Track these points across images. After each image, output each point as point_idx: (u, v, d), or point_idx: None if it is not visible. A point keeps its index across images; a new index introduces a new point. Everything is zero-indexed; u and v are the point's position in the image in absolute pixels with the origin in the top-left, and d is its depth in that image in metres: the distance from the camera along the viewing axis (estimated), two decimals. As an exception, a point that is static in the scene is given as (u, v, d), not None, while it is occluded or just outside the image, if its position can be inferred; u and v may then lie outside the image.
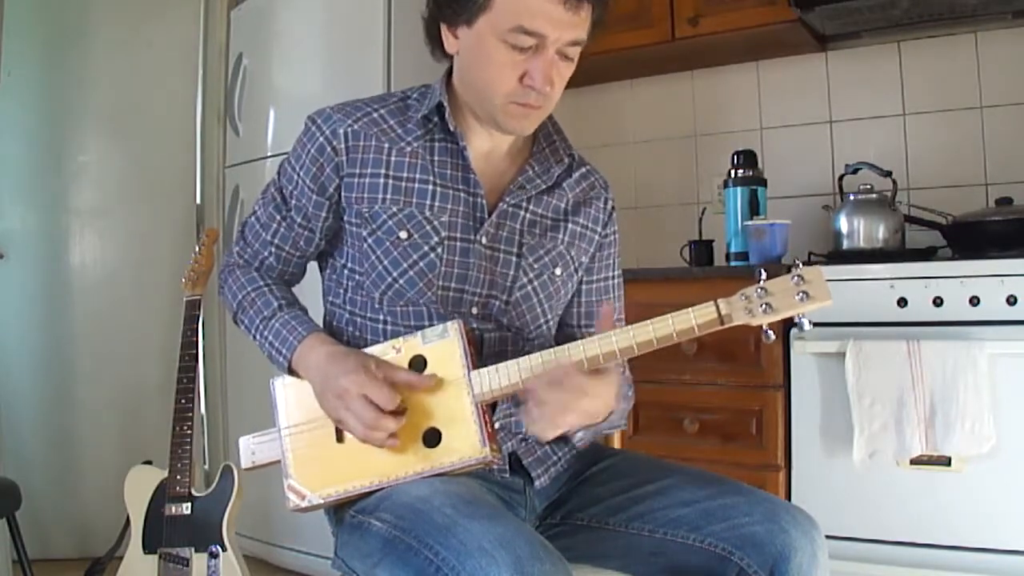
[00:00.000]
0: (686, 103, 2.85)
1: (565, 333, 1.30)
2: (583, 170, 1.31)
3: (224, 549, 1.94)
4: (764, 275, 1.01)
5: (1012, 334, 1.80)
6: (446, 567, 0.92)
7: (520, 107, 1.13)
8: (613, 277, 1.34)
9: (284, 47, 2.70)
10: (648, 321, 1.03)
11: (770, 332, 1.02)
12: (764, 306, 1.00)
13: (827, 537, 1.09)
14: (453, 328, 1.09)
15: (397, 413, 1.06)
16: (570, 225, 1.26)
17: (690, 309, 1.02)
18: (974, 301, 1.86)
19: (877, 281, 1.97)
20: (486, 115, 1.17)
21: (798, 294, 0.98)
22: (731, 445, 2.12)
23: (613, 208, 1.34)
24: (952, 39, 2.42)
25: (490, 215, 1.20)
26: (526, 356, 1.07)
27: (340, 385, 1.07)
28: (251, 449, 1.20)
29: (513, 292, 1.21)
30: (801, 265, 1.00)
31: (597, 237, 1.30)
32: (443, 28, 1.16)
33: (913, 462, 1.87)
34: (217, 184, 3.03)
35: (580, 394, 1.02)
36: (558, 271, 1.24)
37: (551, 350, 1.06)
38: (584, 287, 1.31)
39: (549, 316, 1.24)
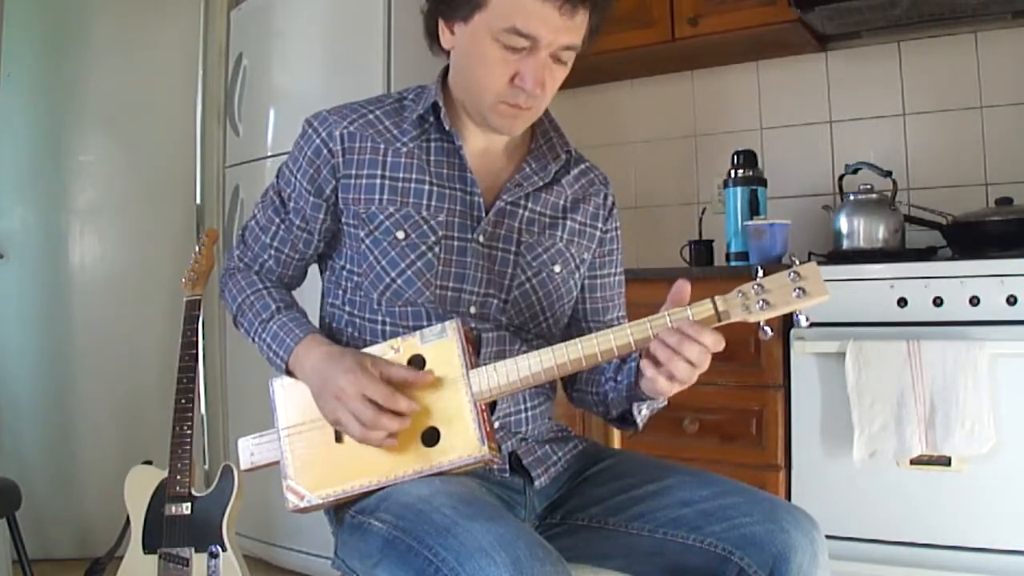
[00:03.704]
0: (686, 103, 2.85)
1: (573, 330, 1.30)
2: (582, 166, 1.31)
3: (224, 549, 1.94)
4: (761, 272, 1.02)
5: (1012, 334, 1.80)
6: (445, 568, 0.92)
7: (509, 107, 1.13)
8: (617, 273, 1.34)
9: (284, 47, 2.70)
10: (646, 319, 1.03)
11: (767, 328, 1.02)
12: (761, 303, 1.00)
13: (827, 537, 1.08)
14: (451, 327, 1.09)
15: (397, 412, 1.06)
16: (569, 222, 1.26)
17: (687, 306, 1.02)
18: (974, 301, 1.86)
19: (877, 281, 1.97)
20: (476, 113, 1.17)
21: (795, 290, 0.99)
22: (731, 445, 2.12)
23: (613, 204, 1.33)
24: (952, 39, 2.42)
25: (487, 213, 1.20)
26: (524, 355, 1.07)
27: (337, 385, 1.06)
28: (250, 450, 1.20)
29: (511, 290, 1.21)
30: (797, 262, 1.00)
31: (598, 233, 1.30)
32: (440, 23, 1.17)
33: (913, 462, 1.87)
34: (217, 184, 3.04)
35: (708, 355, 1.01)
36: (557, 268, 1.24)
37: (549, 348, 1.06)
38: (588, 283, 1.31)
39: (549, 314, 1.24)
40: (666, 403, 1.17)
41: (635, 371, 1.11)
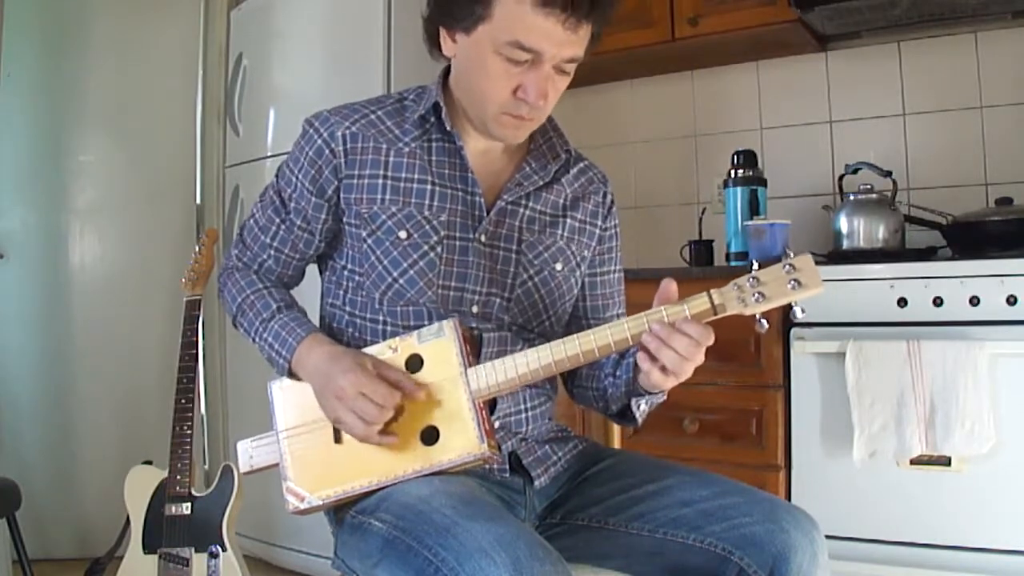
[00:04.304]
0: (686, 103, 2.85)
1: (574, 328, 1.30)
2: (581, 165, 1.32)
3: (224, 549, 1.94)
4: (756, 265, 1.02)
5: (1012, 334, 1.80)
6: (445, 567, 0.92)
7: (512, 118, 1.14)
8: (616, 271, 1.35)
9: (284, 47, 2.70)
10: (643, 313, 1.04)
11: (764, 321, 1.02)
12: (757, 295, 1.00)
13: (827, 537, 1.08)
14: (448, 326, 1.09)
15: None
16: (569, 220, 1.27)
17: (683, 300, 1.02)
18: (974, 301, 1.86)
19: (877, 281, 1.97)
20: (478, 121, 1.18)
21: (790, 282, 0.99)
22: (731, 445, 2.12)
23: (612, 202, 1.34)
24: (952, 39, 2.42)
25: (488, 213, 1.20)
26: (522, 352, 1.08)
27: (338, 385, 1.07)
28: (249, 453, 1.20)
29: (514, 289, 1.21)
30: (792, 254, 1.00)
31: (597, 231, 1.31)
32: (442, 31, 1.17)
33: (913, 462, 1.87)
34: (217, 184, 3.04)
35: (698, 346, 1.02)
36: (558, 266, 1.24)
37: (547, 345, 1.07)
38: (588, 280, 1.31)
39: (551, 312, 1.24)
40: (665, 398, 1.18)
41: (633, 366, 1.12)
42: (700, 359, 1.03)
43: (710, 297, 1.02)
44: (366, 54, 2.49)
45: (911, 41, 2.48)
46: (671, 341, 1.01)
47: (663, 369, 1.03)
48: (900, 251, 2.20)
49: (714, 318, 1.02)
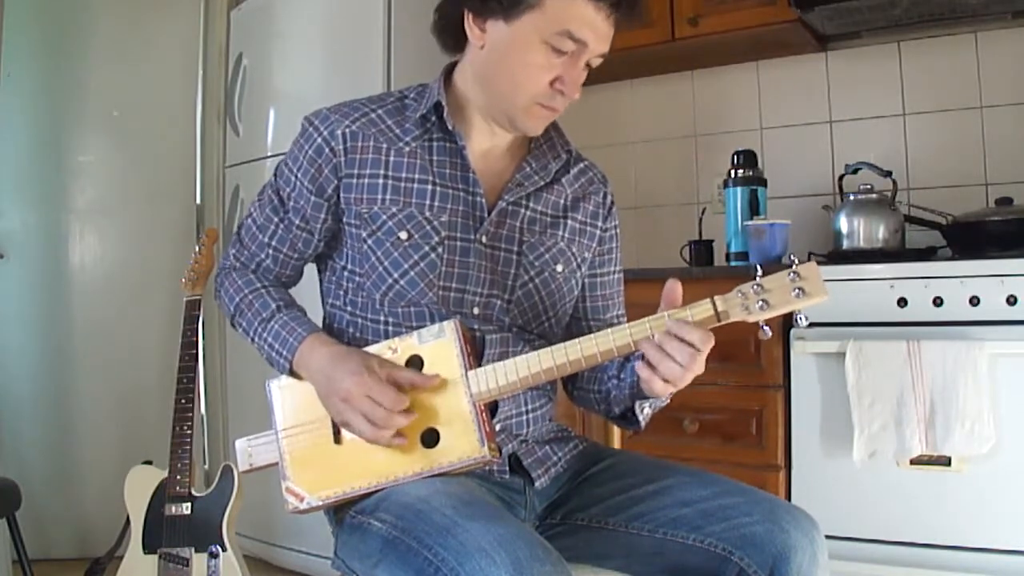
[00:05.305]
0: (686, 103, 2.85)
1: (574, 329, 1.30)
2: (581, 165, 1.32)
3: (224, 549, 1.94)
4: (760, 272, 1.02)
5: (1012, 334, 1.80)
6: (445, 568, 0.92)
7: (543, 109, 1.15)
8: (616, 272, 1.34)
9: (284, 47, 2.71)
10: (645, 319, 1.03)
11: (767, 328, 1.02)
12: (760, 303, 1.00)
13: (827, 537, 1.08)
14: (449, 327, 1.09)
15: (405, 411, 1.06)
16: (569, 221, 1.26)
17: (687, 307, 1.02)
18: (974, 301, 1.86)
19: (877, 281, 1.97)
20: (501, 113, 1.17)
21: (794, 290, 0.98)
22: (731, 445, 2.12)
23: (612, 202, 1.34)
24: (952, 39, 2.42)
25: (489, 214, 1.20)
26: (523, 355, 1.07)
27: (343, 387, 1.06)
28: (248, 452, 1.19)
29: (515, 291, 1.21)
30: (797, 261, 1.00)
31: (598, 232, 1.31)
32: (468, 17, 1.15)
33: (913, 462, 1.87)
34: (217, 184, 3.04)
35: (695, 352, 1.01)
36: (559, 268, 1.24)
37: (548, 348, 1.06)
38: (588, 282, 1.31)
39: (551, 313, 1.24)
40: (668, 401, 1.17)
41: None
42: (700, 368, 1.02)
43: (714, 304, 1.01)
44: (366, 54, 2.49)
45: (911, 41, 2.48)
46: (671, 351, 1.00)
47: (663, 379, 1.02)
48: (900, 251, 2.20)
49: (717, 325, 1.02)
